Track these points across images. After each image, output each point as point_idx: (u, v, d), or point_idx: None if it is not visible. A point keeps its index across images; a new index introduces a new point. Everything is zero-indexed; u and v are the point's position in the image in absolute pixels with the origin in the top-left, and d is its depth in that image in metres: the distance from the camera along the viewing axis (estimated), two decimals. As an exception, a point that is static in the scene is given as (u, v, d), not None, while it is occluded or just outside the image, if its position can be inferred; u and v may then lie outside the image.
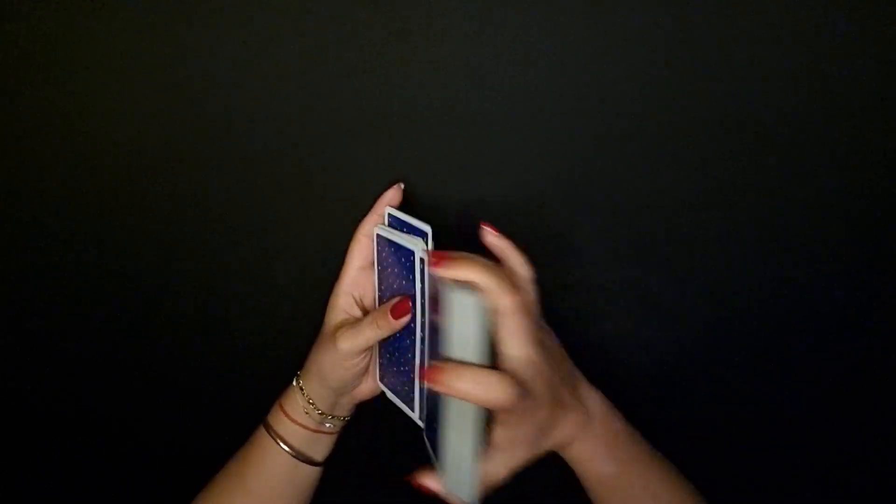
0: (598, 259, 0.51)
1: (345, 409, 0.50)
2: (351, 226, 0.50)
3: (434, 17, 0.45)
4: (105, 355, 0.56)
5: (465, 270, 0.38)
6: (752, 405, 0.54)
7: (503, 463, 0.40)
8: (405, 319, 0.44)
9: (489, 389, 0.36)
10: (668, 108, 0.47)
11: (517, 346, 0.38)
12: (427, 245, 0.44)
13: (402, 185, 0.48)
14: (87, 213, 0.51)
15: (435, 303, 0.41)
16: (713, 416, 0.55)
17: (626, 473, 0.45)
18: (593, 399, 0.46)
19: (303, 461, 0.49)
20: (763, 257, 0.50)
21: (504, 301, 0.38)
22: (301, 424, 0.48)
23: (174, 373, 0.57)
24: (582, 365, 0.48)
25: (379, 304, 0.48)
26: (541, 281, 0.51)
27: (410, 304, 0.44)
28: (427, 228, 0.44)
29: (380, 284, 0.48)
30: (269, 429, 0.49)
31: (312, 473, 0.50)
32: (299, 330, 0.53)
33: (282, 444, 0.48)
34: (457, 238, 0.48)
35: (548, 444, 0.43)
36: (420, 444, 0.44)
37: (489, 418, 0.40)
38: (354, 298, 0.49)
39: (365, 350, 0.45)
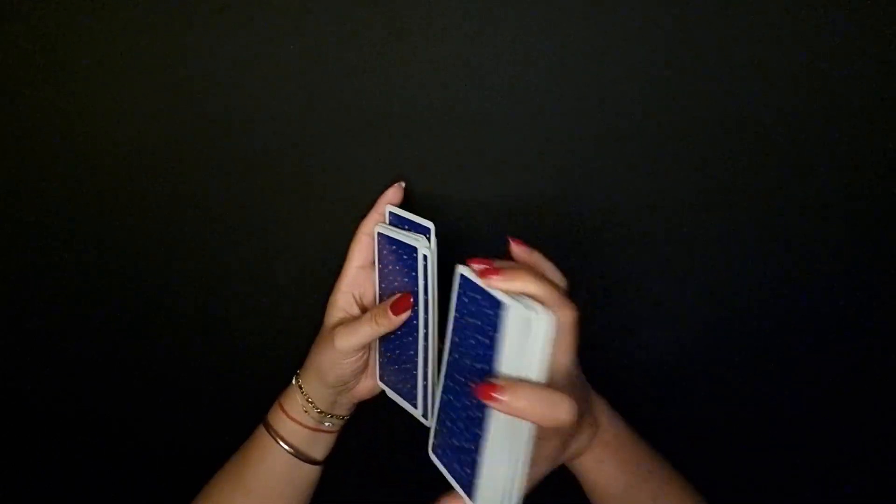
0: (598, 259, 0.51)
1: (344, 408, 0.50)
2: (351, 225, 0.50)
3: (434, 17, 0.45)
4: (105, 355, 0.56)
5: (523, 283, 0.36)
6: (752, 405, 0.54)
7: (530, 477, 0.38)
8: (405, 315, 0.43)
9: (554, 409, 0.34)
10: (668, 108, 0.47)
11: (561, 361, 0.37)
12: (430, 242, 0.44)
13: (403, 184, 0.48)
14: (87, 213, 0.51)
15: (464, 308, 0.39)
16: (713, 416, 0.55)
17: (632, 483, 0.45)
18: (601, 407, 0.46)
19: (302, 460, 0.49)
20: (763, 257, 0.50)
21: (564, 314, 0.37)
22: (300, 423, 0.48)
23: (174, 373, 0.57)
24: (582, 365, 0.48)
25: (379, 303, 0.48)
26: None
27: (411, 300, 0.44)
28: (430, 225, 0.44)
29: (381, 283, 0.48)
30: (268, 428, 0.49)
31: (312, 473, 0.50)
32: (299, 330, 0.53)
33: (281, 443, 0.48)
34: (457, 238, 0.49)
35: (566, 457, 0.42)
36: (420, 445, 0.44)
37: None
38: (354, 297, 0.49)
39: (362, 348, 0.45)
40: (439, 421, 0.42)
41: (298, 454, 0.48)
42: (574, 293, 0.53)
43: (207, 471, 0.51)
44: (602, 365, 0.54)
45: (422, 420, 0.46)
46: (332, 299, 0.49)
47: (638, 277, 0.52)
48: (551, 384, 0.36)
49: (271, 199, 0.51)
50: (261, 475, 0.48)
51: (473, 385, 0.36)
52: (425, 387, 0.46)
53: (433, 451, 0.42)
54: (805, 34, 0.44)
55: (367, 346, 0.47)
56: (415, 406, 0.47)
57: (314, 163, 0.50)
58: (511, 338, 0.35)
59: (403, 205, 0.48)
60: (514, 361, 0.35)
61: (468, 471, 0.38)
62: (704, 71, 0.46)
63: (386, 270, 0.47)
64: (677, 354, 0.54)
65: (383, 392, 0.51)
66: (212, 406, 0.58)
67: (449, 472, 0.40)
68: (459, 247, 0.46)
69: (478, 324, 0.38)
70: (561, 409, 0.34)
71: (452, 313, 0.41)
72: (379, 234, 0.47)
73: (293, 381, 0.49)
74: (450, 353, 0.41)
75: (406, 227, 0.46)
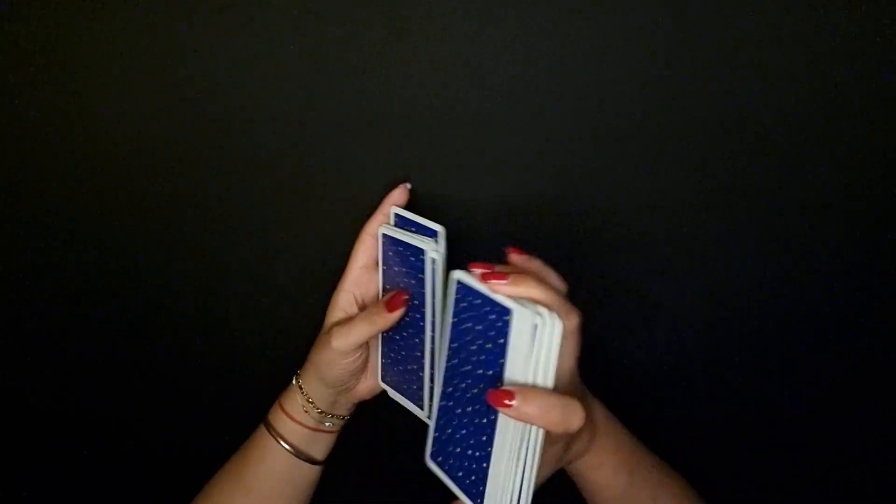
0: (598, 259, 0.51)
1: (344, 408, 0.50)
2: (351, 225, 0.50)
3: (434, 17, 0.45)
4: (105, 355, 0.56)
5: (527, 288, 0.36)
6: (752, 405, 0.54)
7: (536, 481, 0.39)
8: (400, 312, 0.43)
9: (567, 414, 0.34)
10: (668, 108, 0.47)
11: (568, 364, 0.38)
12: (439, 245, 0.44)
13: (409, 185, 0.48)
14: (87, 213, 0.51)
15: (462, 311, 0.39)
16: (713, 416, 0.55)
17: (631, 482, 0.45)
18: (597, 410, 0.46)
19: (303, 460, 0.49)
20: (763, 257, 0.50)
21: (569, 319, 0.37)
22: (301, 423, 0.48)
23: (174, 373, 0.57)
24: (581, 365, 0.48)
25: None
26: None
27: (405, 297, 0.43)
28: (439, 228, 0.44)
29: (384, 284, 0.48)
30: (269, 427, 0.49)
31: (312, 473, 0.50)
32: (299, 330, 0.53)
33: (282, 443, 0.48)
34: (456, 238, 0.48)
35: (565, 460, 0.43)
36: (421, 445, 0.44)
37: None
38: (355, 297, 0.49)
39: (359, 347, 0.45)
40: (438, 427, 0.42)
41: (299, 454, 0.48)
42: (574, 294, 0.53)
43: (207, 471, 0.51)
44: (602, 365, 0.54)
45: (427, 421, 0.46)
46: (333, 299, 0.49)
47: (638, 277, 0.52)
48: (558, 389, 0.36)
49: (271, 199, 0.51)
50: (261, 475, 0.48)
51: (483, 391, 0.35)
52: (431, 388, 0.46)
53: (432, 458, 0.42)
54: (805, 34, 0.44)
55: (366, 346, 0.47)
56: (420, 407, 0.47)
57: (314, 163, 0.50)
58: (518, 343, 0.35)
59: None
60: (522, 367, 0.35)
61: (474, 478, 0.38)
62: (704, 71, 0.46)
63: (391, 272, 0.47)
64: (677, 355, 0.54)
65: (384, 392, 0.51)
66: (212, 406, 0.58)
67: (451, 479, 0.40)
68: (459, 247, 0.46)
69: (480, 329, 0.37)
70: (573, 414, 0.34)
71: (450, 318, 0.40)
72: (384, 235, 0.47)
73: (293, 381, 0.49)
74: (448, 360, 0.41)
75: (413, 229, 0.46)
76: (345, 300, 0.49)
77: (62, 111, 0.48)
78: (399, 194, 0.48)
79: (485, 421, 0.37)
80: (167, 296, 0.54)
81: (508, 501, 0.36)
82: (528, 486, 0.36)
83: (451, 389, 0.40)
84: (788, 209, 0.48)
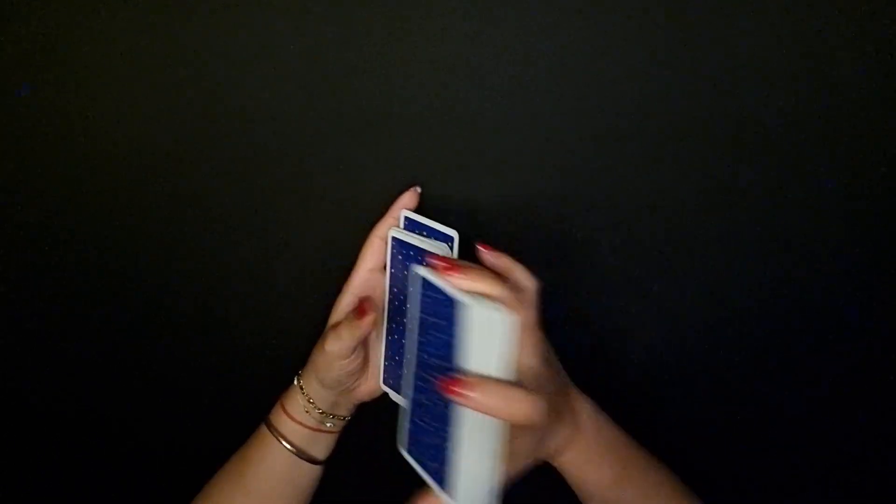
0: (598, 259, 0.51)
1: (345, 408, 0.50)
2: (352, 225, 0.50)
3: (434, 17, 0.45)
4: (105, 355, 0.56)
5: (481, 283, 0.37)
6: (752, 405, 0.54)
7: (504, 472, 0.39)
8: (369, 317, 0.43)
9: (520, 406, 0.35)
10: (668, 108, 0.47)
11: (526, 359, 0.39)
12: (453, 251, 0.44)
13: (419, 189, 0.48)
14: (87, 213, 0.51)
15: (428, 304, 0.40)
16: (713, 416, 0.55)
17: (618, 481, 0.45)
18: (584, 406, 0.46)
19: (304, 459, 0.49)
20: (763, 257, 0.50)
21: (522, 314, 0.38)
22: (302, 423, 0.48)
23: (174, 373, 0.57)
24: (581, 365, 0.48)
25: (389, 307, 0.48)
26: (540, 281, 0.51)
27: (370, 304, 0.44)
28: (453, 233, 0.44)
29: (391, 287, 0.48)
30: (270, 427, 0.49)
31: (313, 473, 0.50)
32: (300, 330, 0.53)
33: (283, 443, 0.48)
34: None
35: (542, 454, 0.43)
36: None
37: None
38: (360, 300, 0.49)
39: (353, 350, 0.45)
40: (410, 419, 0.42)
41: (300, 454, 0.48)
42: (574, 294, 0.53)
43: (208, 470, 0.51)
44: (602, 365, 0.54)
45: None
46: (338, 300, 0.49)
47: (638, 277, 0.52)
48: (518, 382, 0.37)
49: (272, 199, 0.51)
50: (262, 474, 0.48)
51: (437, 381, 0.36)
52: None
53: (405, 448, 0.43)
54: (805, 34, 0.44)
55: (363, 348, 0.47)
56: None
57: (314, 163, 0.50)
58: (471, 336, 0.36)
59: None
60: (476, 359, 0.36)
61: (443, 467, 0.38)
62: (704, 71, 0.46)
63: (399, 276, 0.47)
64: (677, 355, 0.54)
65: (385, 393, 0.50)
66: (212, 406, 0.58)
67: (423, 468, 0.41)
68: (459, 247, 0.46)
69: (441, 323, 0.38)
70: (524, 406, 0.35)
71: (417, 313, 0.41)
72: (392, 238, 0.47)
73: (295, 382, 0.49)
74: (418, 353, 0.41)
75: (424, 233, 0.46)
76: (348, 303, 0.49)
77: (62, 111, 0.48)
78: (409, 197, 0.48)
79: (449, 412, 0.38)
80: (167, 296, 0.54)
81: (476, 490, 0.37)
82: (495, 476, 0.37)
83: (420, 382, 0.41)
84: (788, 209, 0.49)
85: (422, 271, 0.40)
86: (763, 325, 0.52)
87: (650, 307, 0.52)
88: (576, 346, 0.51)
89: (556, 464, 0.45)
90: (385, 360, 0.50)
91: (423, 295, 0.40)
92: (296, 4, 0.45)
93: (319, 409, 0.48)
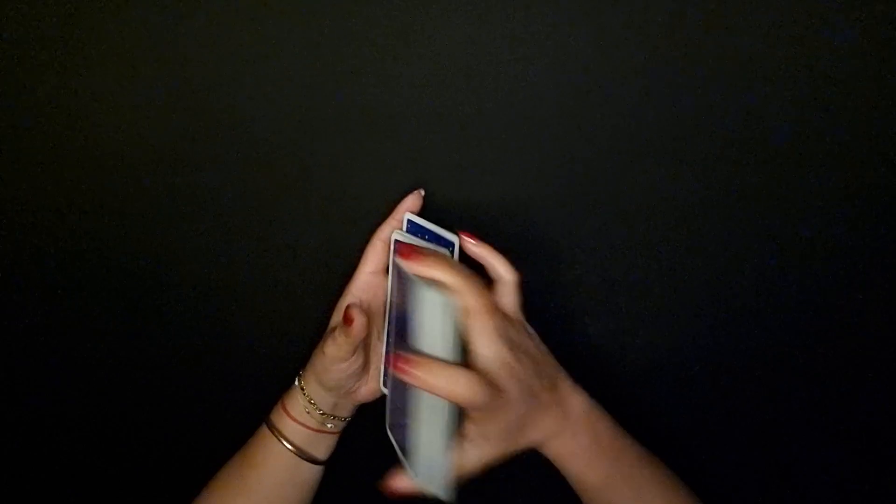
0: (598, 259, 0.51)
1: (345, 409, 0.50)
2: (354, 225, 0.50)
3: (435, 17, 0.45)
4: (105, 355, 0.56)
5: (433, 269, 0.40)
6: (752, 405, 0.54)
7: (475, 456, 0.41)
8: (357, 322, 0.44)
9: (456, 386, 0.37)
10: (668, 109, 0.47)
11: (485, 345, 0.40)
12: (454, 255, 0.44)
13: (422, 192, 0.48)
14: (87, 212, 0.51)
15: (401, 290, 0.42)
16: (712, 416, 0.55)
17: (610, 475, 0.45)
18: (576, 399, 0.46)
19: (305, 459, 0.49)
20: (763, 257, 0.50)
21: (470, 301, 0.39)
22: (303, 424, 0.48)
23: (175, 373, 0.57)
24: (581, 365, 0.48)
25: (390, 310, 0.48)
26: (540, 281, 0.51)
27: (356, 309, 0.44)
28: (454, 238, 0.44)
29: (392, 290, 0.48)
30: (271, 427, 0.49)
31: (314, 473, 0.50)
32: (301, 330, 0.53)
33: (284, 443, 0.48)
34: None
35: (523, 441, 0.43)
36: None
37: (462, 411, 0.41)
38: (362, 303, 0.49)
39: (351, 353, 0.45)
40: (390, 399, 0.44)
41: (301, 454, 0.48)
42: (574, 294, 0.53)
43: (208, 471, 0.51)
44: (601, 365, 0.54)
45: None
46: (339, 302, 0.49)
47: (638, 277, 0.52)
48: (477, 367, 0.39)
49: (274, 200, 0.51)
50: (262, 475, 0.48)
51: (389, 356, 0.39)
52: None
53: (389, 429, 0.45)
54: (805, 34, 0.44)
55: (362, 351, 0.47)
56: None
57: (316, 164, 0.50)
58: (422, 318, 0.39)
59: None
60: (426, 340, 0.39)
61: (407, 444, 0.41)
62: (704, 71, 0.46)
63: (398, 279, 0.47)
64: (677, 354, 0.54)
65: (385, 394, 0.50)
66: (213, 406, 0.58)
67: (398, 446, 0.43)
68: (460, 252, 0.46)
69: (405, 307, 0.41)
70: (464, 387, 0.37)
71: (394, 299, 0.43)
72: (396, 241, 0.47)
73: (296, 383, 0.49)
74: (395, 336, 0.43)
75: (426, 237, 0.46)
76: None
77: (63, 110, 0.48)
78: (413, 200, 0.48)
79: (410, 391, 0.40)
80: (168, 296, 0.54)
81: (431, 467, 0.40)
82: (447, 454, 0.40)
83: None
84: (788, 209, 0.49)
85: (399, 260, 0.42)
86: (763, 325, 0.52)
87: (650, 307, 0.52)
88: (576, 346, 0.51)
89: (548, 455, 0.46)
90: (385, 363, 0.50)
91: (398, 280, 0.42)
92: (296, 4, 0.45)
93: (320, 411, 0.48)
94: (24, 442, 0.59)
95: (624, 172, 0.49)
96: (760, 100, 0.46)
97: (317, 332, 0.50)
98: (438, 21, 0.45)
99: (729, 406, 0.55)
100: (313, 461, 0.49)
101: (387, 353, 0.49)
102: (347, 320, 0.44)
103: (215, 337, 0.56)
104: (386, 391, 0.50)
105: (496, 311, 0.40)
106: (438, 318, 0.39)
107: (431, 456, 0.40)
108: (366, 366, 0.49)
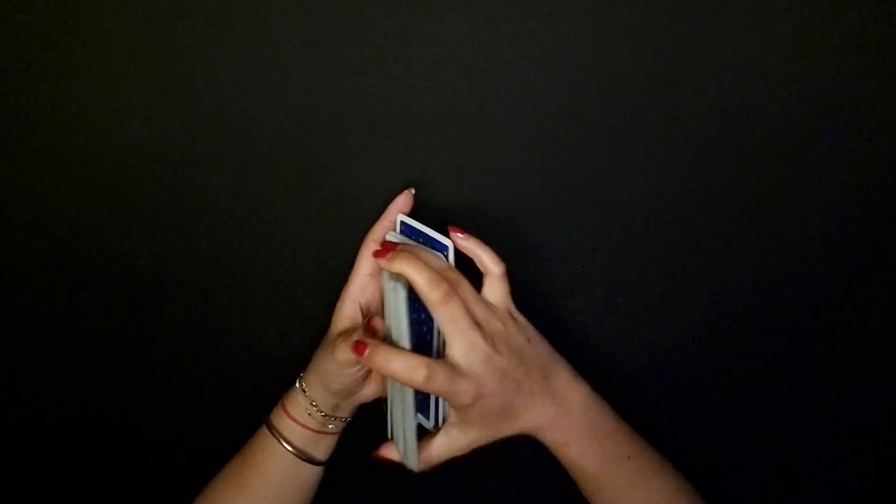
0: (598, 259, 0.51)
1: (346, 410, 0.50)
2: (352, 226, 0.50)
3: (435, 17, 0.45)
4: (105, 355, 0.56)
5: (398, 264, 0.42)
6: (752, 405, 0.54)
7: (460, 439, 0.44)
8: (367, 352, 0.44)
9: (406, 371, 0.40)
10: (668, 109, 0.47)
11: (455, 334, 0.42)
12: (448, 259, 0.44)
13: (414, 191, 0.48)
14: (87, 212, 0.51)
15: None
16: (712, 416, 0.55)
17: (608, 465, 0.45)
18: (575, 390, 0.46)
19: (305, 460, 0.49)
20: (763, 257, 0.50)
21: (431, 295, 0.41)
22: (303, 425, 0.48)
23: (174, 373, 0.57)
24: (581, 365, 0.48)
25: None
26: (540, 281, 0.51)
27: (365, 340, 0.43)
28: (448, 243, 0.44)
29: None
30: (271, 428, 0.49)
31: (314, 473, 0.50)
32: (300, 331, 0.53)
33: (284, 444, 0.48)
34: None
35: (510, 429, 0.44)
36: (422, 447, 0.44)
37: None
38: (360, 306, 0.49)
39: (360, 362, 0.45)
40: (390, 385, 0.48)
41: (301, 454, 0.48)
42: (574, 293, 0.53)
43: (208, 471, 0.51)
44: (601, 365, 0.54)
45: (431, 430, 0.46)
46: (338, 306, 0.49)
47: (638, 277, 0.52)
48: (448, 356, 0.42)
49: (272, 199, 0.51)
50: (262, 476, 0.48)
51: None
52: (437, 399, 0.45)
53: (384, 407, 0.49)
54: (805, 34, 0.44)
55: None
56: (426, 417, 0.46)
57: (314, 163, 0.50)
58: (387, 308, 0.44)
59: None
60: (393, 332, 0.44)
61: (392, 423, 0.47)
62: (704, 70, 0.46)
63: None
64: (677, 355, 0.54)
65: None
66: (213, 406, 0.58)
67: (389, 423, 0.48)
68: (455, 256, 0.46)
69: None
70: (415, 373, 0.40)
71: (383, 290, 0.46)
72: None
73: (297, 384, 0.49)
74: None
75: (420, 239, 0.46)
76: (350, 308, 0.49)
77: (62, 111, 0.48)
78: (404, 200, 0.48)
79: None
80: (168, 296, 0.54)
81: (401, 442, 0.45)
82: (411, 433, 0.44)
83: None
84: (788, 209, 0.49)
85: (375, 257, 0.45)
86: (763, 325, 0.52)
87: (650, 307, 0.52)
88: (576, 346, 0.51)
89: (544, 443, 0.46)
90: None
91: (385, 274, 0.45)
92: (296, 4, 0.45)
93: (322, 412, 0.48)
94: (24, 442, 0.59)
95: (624, 172, 0.49)
96: (760, 100, 0.46)
97: (317, 332, 0.50)
98: (438, 21, 0.45)
99: (729, 406, 0.55)
100: (313, 462, 0.49)
101: None
102: (360, 351, 0.43)
103: (215, 337, 0.56)
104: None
105: (454, 300, 0.42)
106: (397, 308, 0.42)
107: (403, 434, 0.44)
108: (370, 369, 0.49)
